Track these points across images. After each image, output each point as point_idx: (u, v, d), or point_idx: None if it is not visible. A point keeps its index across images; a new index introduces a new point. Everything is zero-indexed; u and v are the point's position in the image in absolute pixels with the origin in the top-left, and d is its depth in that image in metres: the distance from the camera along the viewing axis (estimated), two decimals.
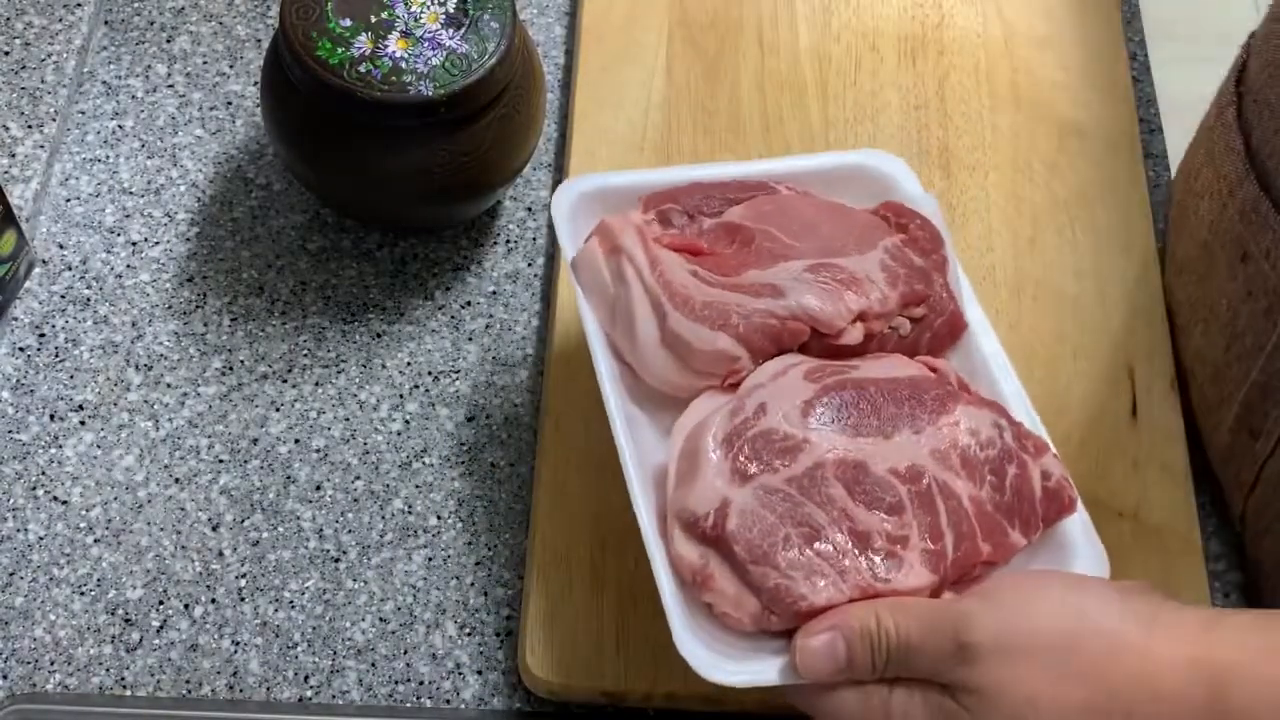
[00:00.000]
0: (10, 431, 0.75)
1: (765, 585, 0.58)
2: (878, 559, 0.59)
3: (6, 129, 0.84)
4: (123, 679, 0.69)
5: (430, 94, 0.72)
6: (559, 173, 0.85)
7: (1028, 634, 0.54)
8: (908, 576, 0.58)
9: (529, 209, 0.84)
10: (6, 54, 0.87)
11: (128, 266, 0.80)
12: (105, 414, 0.76)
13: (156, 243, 0.81)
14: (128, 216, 0.82)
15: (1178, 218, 0.81)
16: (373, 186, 0.76)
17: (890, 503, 0.59)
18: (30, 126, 0.84)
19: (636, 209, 0.68)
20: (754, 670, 0.58)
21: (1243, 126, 0.72)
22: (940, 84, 0.88)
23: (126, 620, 0.70)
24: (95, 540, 0.72)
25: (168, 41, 0.89)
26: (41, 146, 0.84)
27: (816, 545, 0.58)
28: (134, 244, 0.81)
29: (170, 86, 0.87)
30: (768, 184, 0.70)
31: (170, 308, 0.79)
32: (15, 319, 0.79)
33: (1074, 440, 0.75)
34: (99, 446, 0.75)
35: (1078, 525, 0.63)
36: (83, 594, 0.71)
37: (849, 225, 0.68)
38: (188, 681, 0.69)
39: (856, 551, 0.59)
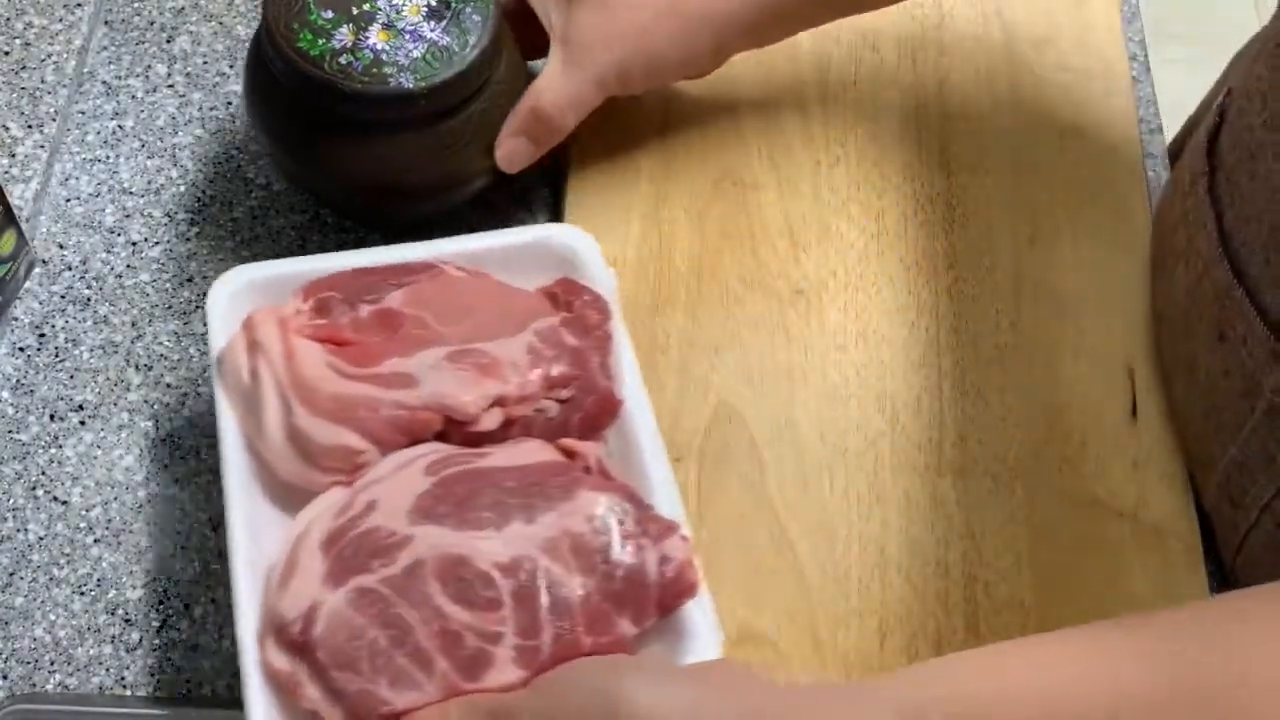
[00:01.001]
0: (10, 431, 0.75)
1: (348, 691, 0.56)
2: (467, 658, 0.57)
3: (6, 129, 0.84)
4: (123, 679, 0.69)
5: (411, 86, 0.72)
6: (555, 167, 0.84)
7: None
8: (499, 674, 0.57)
9: (529, 209, 0.84)
10: (6, 54, 0.87)
11: (128, 266, 0.80)
12: (105, 414, 0.76)
13: (156, 243, 0.81)
14: (128, 216, 0.82)
15: (1155, 264, 0.79)
16: (354, 178, 0.75)
17: (487, 599, 0.58)
18: (30, 126, 0.84)
19: (296, 298, 0.67)
20: None
21: (1215, 204, 0.70)
22: (940, 84, 0.88)
23: (126, 620, 0.70)
24: (95, 540, 0.72)
25: (168, 41, 0.89)
26: (41, 146, 0.84)
27: (404, 647, 0.57)
28: (134, 244, 0.81)
29: (170, 86, 0.87)
30: (436, 265, 0.68)
31: (170, 308, 0.79)
32: (15, 319, 0.79)
33: (1074, 440, 0.75)
34: (99, 446, 0.75)
35: (697, 609, 0.61)
36: (83, 594, 0.71)
37: (506, 308, 0.67)
38: (188, 681, 0.69)
39: (444, 652, 0.57)
